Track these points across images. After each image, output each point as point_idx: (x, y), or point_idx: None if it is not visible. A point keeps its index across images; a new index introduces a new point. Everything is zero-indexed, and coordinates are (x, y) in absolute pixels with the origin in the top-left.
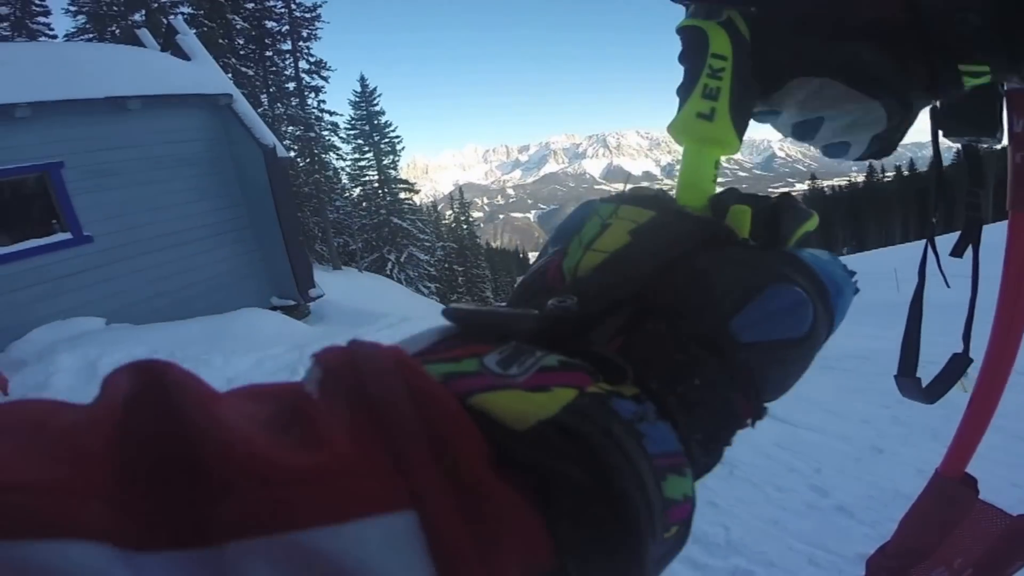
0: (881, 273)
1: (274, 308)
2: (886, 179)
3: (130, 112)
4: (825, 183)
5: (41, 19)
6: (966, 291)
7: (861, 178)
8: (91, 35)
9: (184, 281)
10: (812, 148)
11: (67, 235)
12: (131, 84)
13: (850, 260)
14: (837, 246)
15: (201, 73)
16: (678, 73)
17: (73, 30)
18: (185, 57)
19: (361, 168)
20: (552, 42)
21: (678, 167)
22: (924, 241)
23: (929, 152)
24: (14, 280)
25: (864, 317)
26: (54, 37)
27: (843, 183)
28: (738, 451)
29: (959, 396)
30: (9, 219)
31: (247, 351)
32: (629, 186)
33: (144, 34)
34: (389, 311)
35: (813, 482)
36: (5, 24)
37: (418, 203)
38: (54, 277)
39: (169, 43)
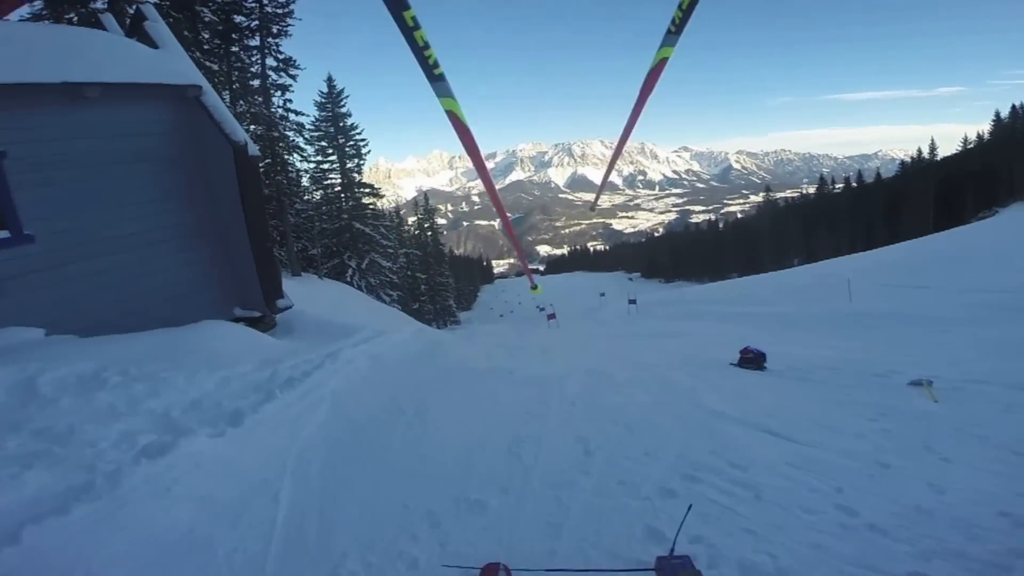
0: (834, 285)
1: (237, 320)
2: (836, 191)
3: (88, 100)
4: (779, 195)
5: None
6: None
7: (812, 190)
8: (47, 20)
9: (138, 289)
10: (766, 162)
11: (5, 233)
12: (91, 70)
13: (803, 271)
14: (788, 258)
15: (169, 62)
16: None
17: (27, 16)
18: (153, 45)
19: (324, 171)
20: (522, 49)
21: (640, 177)
22: (874, 252)
23: (875, 164)
24: None
25: (823, 328)
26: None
27: (795, 195)
28: (756, 474)
29: (937, 409)
30: None
31: (212, 369)
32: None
33: (108, 19)
34: (358, 323)
35: (838, 501)
36: None
37: (381, 208)
38: None
39: (136, 30)
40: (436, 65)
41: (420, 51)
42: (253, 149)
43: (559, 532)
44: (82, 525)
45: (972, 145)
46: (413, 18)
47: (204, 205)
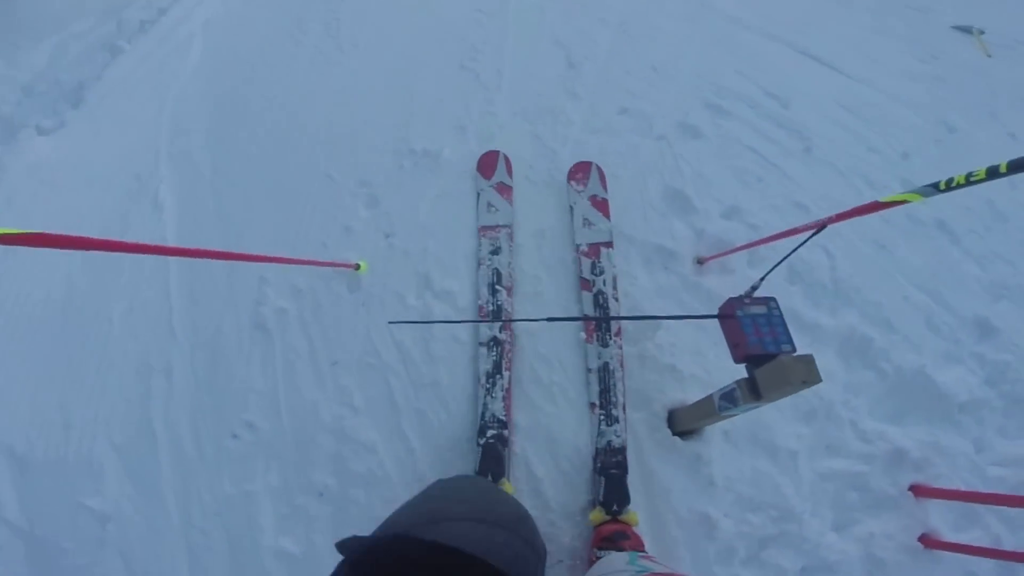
0: None
1: None
2: None
3: None
4: None
5: None
6: None
7: None
8: None
9: None
10: None
11: None
12: None
13: None
14: None
15: None
16: None
17: None
18: None
19: None
20: None
21: None
22: None
23: None
24: None
25: None
26: None
27: None
28: (801, 113)
29: (992, 65)
30: None
31: (38, 39)
32: None
33: None
34: None
35: (904, 175)
36: None
37: None
38: None
39: None
40: None
41: None
42: None
43: (545, 202)
44: None
45: None
46: None
47: None
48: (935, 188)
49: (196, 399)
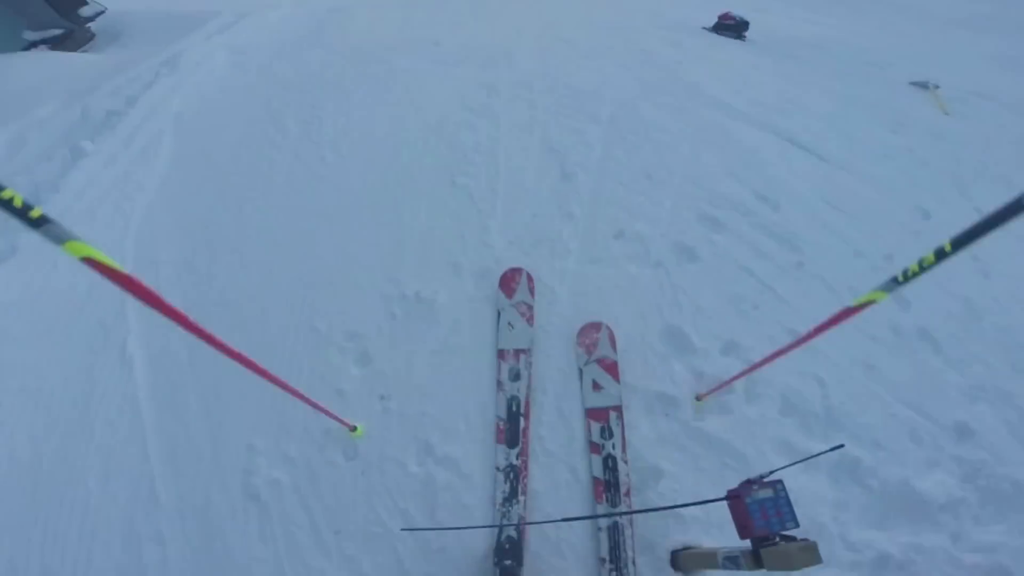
0: None
1: (33, 46)
2: None
3: None
4: None
5: None
6: None
7: None
8: None
9: None
10: None
11: None
12: None
13: None
14: None
15: None
16: None
17: None
18: None
19: None
20: None
21: None
22: None
23: None
24: None
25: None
26: None
27: None
28: (791, 217)
29: (951, 126)
30: None
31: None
32: None
33: None
34: (218, 6)
35: (887, 279)
36: None
37: None
38: None
39: None
40: (29, 208)
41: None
42: None
43: (547, 351)
44: None
45: None
46: None
47: None
48: (895, 282)
49: (195, 567)
